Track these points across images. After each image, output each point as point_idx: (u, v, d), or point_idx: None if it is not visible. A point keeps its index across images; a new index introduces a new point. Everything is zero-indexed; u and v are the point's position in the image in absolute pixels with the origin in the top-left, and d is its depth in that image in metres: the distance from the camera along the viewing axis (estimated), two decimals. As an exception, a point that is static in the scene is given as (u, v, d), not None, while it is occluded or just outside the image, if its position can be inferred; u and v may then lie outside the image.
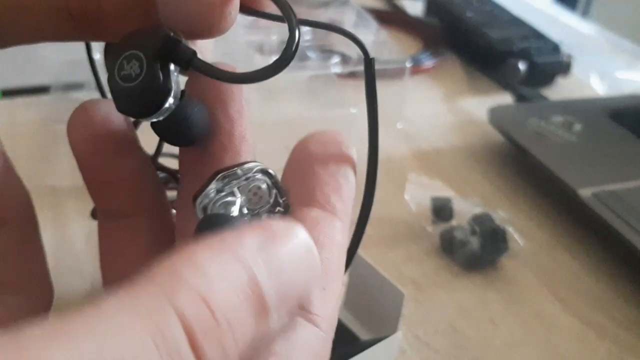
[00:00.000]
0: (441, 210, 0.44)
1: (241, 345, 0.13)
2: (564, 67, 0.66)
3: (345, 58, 0.59)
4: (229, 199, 0.19)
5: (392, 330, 0.32)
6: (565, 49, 0.67)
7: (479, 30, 0.69)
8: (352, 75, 0.57)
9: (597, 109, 0.57)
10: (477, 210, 0.43)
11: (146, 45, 0.17)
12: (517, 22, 0.71)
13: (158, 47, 0.17)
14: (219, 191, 0.19)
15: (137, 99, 0.17)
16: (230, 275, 0.13)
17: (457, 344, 0.36)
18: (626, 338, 0.38)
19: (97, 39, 0.19)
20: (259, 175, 0.19)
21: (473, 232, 0.42)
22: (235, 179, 0.19)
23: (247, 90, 0.20)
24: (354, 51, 0.60)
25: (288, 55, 0.17)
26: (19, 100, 0.54)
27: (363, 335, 0.35)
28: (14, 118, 0.52)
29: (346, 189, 0.21)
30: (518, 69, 0.63)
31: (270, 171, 0.20)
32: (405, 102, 0.58)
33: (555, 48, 0.66)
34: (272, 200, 0.20)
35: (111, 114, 0.19)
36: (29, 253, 0.22)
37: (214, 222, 0.17)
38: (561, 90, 0.66)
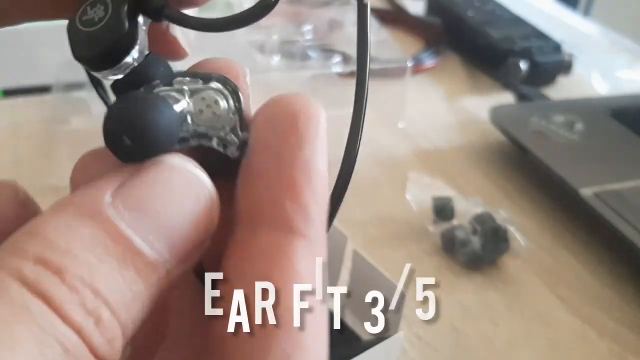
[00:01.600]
0: (442, 210, 0.44)
1: (123, 308, 0.12)
2: (565, 66, 0.66)
3: (347, 57, 0.59)
4: (173, 94, 0.15)
5: (393, 329, 0.32)
6: (567, 48, 0.67)
7: (481, 29, 0.68)
8: (353, 74, 0.57)
9: (598, 108, 0.57)
10: (478, 209, 0.43)
11: None
12: (518, 21, 0.71)
13: None
14: (164, 84, 0.15)
15: (96, 44, 0.15)
16: (77, 232, 0.12)
17: (458, 343, 0.36)
18: (628, 337, 0.38)
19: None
20: (222, 90, 0.15)
21: (474, 232, 0.42)
22: (192, 83, 0.15)
23: (248, 72, 0.17)
24: (355, 51, 0.60)
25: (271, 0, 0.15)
26: (20, 100, 0.54)
27: (364, 334, 0.35)
28: (15, 118, 0.52)
29: (313, 183, 0.14)
30: (519, 68, 0.63)
31: (239, 93, 0.16)
32: (407, 102, 0.58)
33: (556, 47, 0.66)
34: (227, 127, 0.15)
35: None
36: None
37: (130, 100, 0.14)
38: (562, 89, 0.66)
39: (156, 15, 0.15)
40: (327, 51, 0.59)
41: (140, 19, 0.15)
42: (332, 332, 0.35)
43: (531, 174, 0.51)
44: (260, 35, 0.57)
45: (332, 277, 0.37)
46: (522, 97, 0.61)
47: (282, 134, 0.14)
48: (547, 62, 0.65)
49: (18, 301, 0.11)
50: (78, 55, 0.15)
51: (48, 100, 0.52)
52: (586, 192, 0.44)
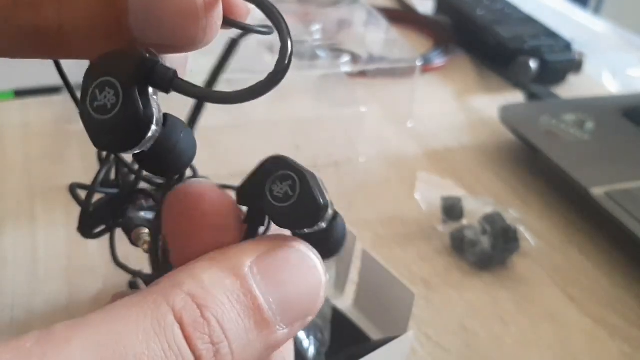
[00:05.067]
0: (452, 210, 0.44)
1: (239, 349, 0.15)
2: (575, 65, 0.66)
3: (355, 57, 0.59)
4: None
5: (403, 329, 0.32)
6: (577, 46, 0.66)
7: (490, 28, 0.68)
8: (362, 74, 0.57)
9: (609, 107, 0.57)
10: (488, 209, 0.43)
11: (120, 70, 0.15)
12: (528, 20, 0.71)
13: (133, 71, 0.15)
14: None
15: (117, 133, 0.15)
16: (222, 282, 0.15)
17: (468, 343, 0.36)
18: (639, 338, 0.38)
19: (66, 58, 0.17)
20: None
21: (484, 232, 0.42)
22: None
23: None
24: (364, 50, 0.60)
25: (281, 69, 0.16)
26: (31, 101, 0.54)
27: (374, 334, 0.34)
28: (26, 118, 0.53)
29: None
30: (529, 67, 0.63)
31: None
32: (416, 101, 0.58)
33: (567, 46, 0.66)
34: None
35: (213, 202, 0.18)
36: None
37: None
38: (573, 88, 0.65)
39: (165, 87, 0.15)
40: (336, 51, 0.59)
41: (150, 89, 0.15)
42: (342, 331, 0.35)
43: (541, 174, 0.51)
44: (269, 35, 0.57)
45: (341, 277, 0.37)
46: (532, 96, 0.60)
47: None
48: (558, 60, 0.65)
49: (161, 319, 0.14)
50: (100, 144, 0.16)
51: (58, 101, 0.52)
52: (597, 191, 0.44)
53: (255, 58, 0.54)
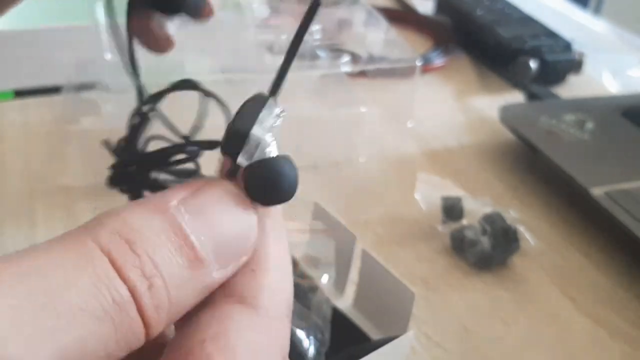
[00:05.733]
0: (452, 210, 0.44)
1: (174, 286, 0.14)
2: (575, 65, 0.66)
3: (355, 57, 0.59)
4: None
5: (403, 329, 0.32)
6: (577, 46, 0.66)
7: (490, 28, 0.68)
8: (362, 74, 0.57)
9: (609, 107, 0.57)
10: (488, 209, 0.43)
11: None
12: (528, 20, 0.71)
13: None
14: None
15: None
16: (149, 221, 0.15)
17: (468, 343, 0.36)
18: (639, 338, 0.38)
19: None
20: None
21: (484, 232, 0.42)
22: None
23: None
24: (364, 50, 0.60)
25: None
26: (32, 101, 0.54)
27: (373, 334, 0.34)
28: (26, 118, 0.53)
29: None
30: (529, 67, 0.63)
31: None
32: (416, 101, 0.58)
33: (566, 46, 0.66)
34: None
35: None
36: None
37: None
38: (573, 88, 0.65)
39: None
40: (336, 51, 0.59)
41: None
42: (342, 331, 0.35)
43: (541, 174, 0.51)
44: (269, 35, 0.57)
45: (341, 277, 0.37)
46: (532, 96, 0.60)
47: None
48: (557, 61, 0.65)
49: (87, 253, 0.14)
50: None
51: (59, 101, 0.52)
52: (597, 191, 0.44)
53: (255, 58, 0.54)
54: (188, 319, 0.16)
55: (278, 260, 0.17)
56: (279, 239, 0.18)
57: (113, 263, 0.14)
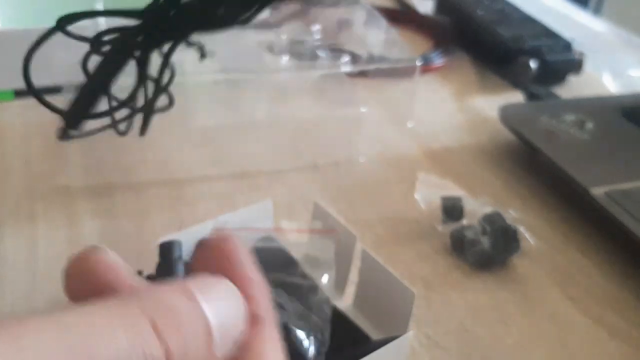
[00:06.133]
0: (452, 210, 0.44)
1: (181, 347, 0.16)
2: (575, 65, 0.66)
3: (355, 57, 0.59)
4: None
5: (403, 329, 0.32)
6: (577, 46, 0.66)
7: (490, 28, 0.68)
8: (362, 74, 0.57)
9: (609, 107, 0.57)
10: (488, 209, 0.43)
11: None
12: (528, 20, 0.71)
13: None
14: None
15: None
16: (180, 302, 0.17)
17: (468, 343, 0.36)
18: (639, 338, 0.38)
19: None
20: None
21: (484, 232, 0.42)
22: None
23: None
24: (364, 50, 0.60)
25: None
26: (32, 101, 0.54)
27: (373, 334, 0.34)
28: (26, 118, 0.53)
29: (259, 286, 0.21)
30: (529, 67, 0.63)
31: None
32: (416, 101, 0.58)
33: (567, 46, 0.66)
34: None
35: (111, 266, 0.20)
36: None
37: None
38: (573, 88, 0.65)
39: None
40: (336, 51, 0.59)
41: None
42: (342, 331, 0.35)
43: (541, 174, 0.51)
44: (269, 35, 0.57)
45: (341, 277, 0.37)
46: (532, 96, 0.60)
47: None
48: (558, 61, 0.65)
49: (131, 313, 0.15)
50: None
51: (59, 101, 0.52)
52: (597, 191, 0.44)
53: (255, 58, 0.54)
54: None
55: None
56: (277, 347, 0.20)
57: (154, 327, 0.16)
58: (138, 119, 0.39)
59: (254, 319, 0.20)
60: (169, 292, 0.17)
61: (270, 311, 0.21)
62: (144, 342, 0.15)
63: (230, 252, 0.21)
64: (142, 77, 0.24)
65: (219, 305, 0.18)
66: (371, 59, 0.59)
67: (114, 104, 0.26)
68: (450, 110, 0.61)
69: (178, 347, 0.16)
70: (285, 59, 0.56)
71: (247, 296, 0.20)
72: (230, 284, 0.19)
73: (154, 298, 0.16)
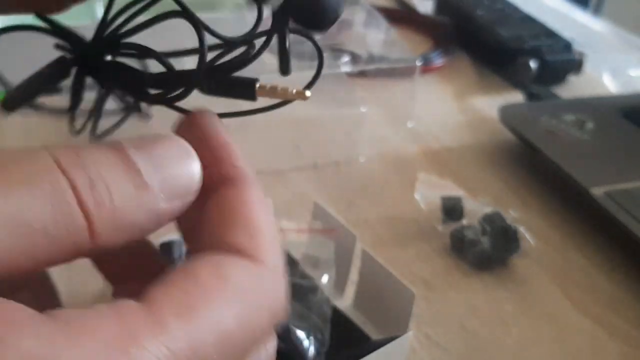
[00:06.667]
0: (452, 210, 0.44)
1: (119, 196, 0.16)
2: (576, 65, 0.66)
3: (355, 57, 0.59)
4: None
5: (403, 329, 0.32)
6: (577, 46, 0.66)
7: (490, 28, 0.68)
8: (362, 74, 0.57)
9: (609, 107, 0.57)
10: (488, 209, 0.43)
11: None
12: (528, 20, 0.71)
13: None
14: None
15: None
16: (101, 150, 0.16)
17: (468, 343, 0.36)
18: (639, 338, 0.38)
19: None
20: None
21: (484, 232, 0.42)
22: None
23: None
24: (364, 50, 0.60)
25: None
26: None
27: (373, 334, 0.34)
28: (26, 118, 0.53)
29: (233, 152, 0.20)
30: (529, 67, 0.63)
31: None
32: (416, 101, 0.58)
33: (567, 46, 0.66)
34: None
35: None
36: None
37: None
38: (573, 88, 0.65)
39: None
40: (336, 51, 0.59)
41: None
42: (342, 331, 0.35)
43: (541, 174, 0.51)
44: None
45: (341, 277, 0.37)
46: (532, 96, 0.60)
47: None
48: (558, 61, 0.65)
49: (36, 154, 0.15)
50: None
51: (59, 101, 0.52)
52: (597, 191, 0.44)
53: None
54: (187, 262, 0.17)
55: (269, 225, 0.19)
56: (265, 208, 0.19)
57: (58, 164, 0.15)
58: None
59: (229, 181, 0.19)
60: (92, 146, 0.16)
61: (251, 173, 0.20)
62: (50, 174, 0.15)
63: (202, 119, 0.20)
64: (77, 92, 0.24)
65: (158, 158, 0.17)
66: (371, 59, 0.59)
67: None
68: (450, 110, 0.61)
69: (88, 180, 0.15)
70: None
71: (219, 157, 0.19)
72: (180, 140, 0.18)
73: (70, 147, 0.16)
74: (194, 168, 0.18)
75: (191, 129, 0.19)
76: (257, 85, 0.20)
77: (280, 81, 0.21)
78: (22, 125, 0.52)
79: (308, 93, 0.20)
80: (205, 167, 0.18)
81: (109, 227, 0.15)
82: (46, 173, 0.15)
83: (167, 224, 0.18)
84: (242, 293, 0.16)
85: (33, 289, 0.22)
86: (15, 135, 0.51)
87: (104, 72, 0.20)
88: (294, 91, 0.20)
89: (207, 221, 0.19)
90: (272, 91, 0.20)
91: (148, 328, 0.14)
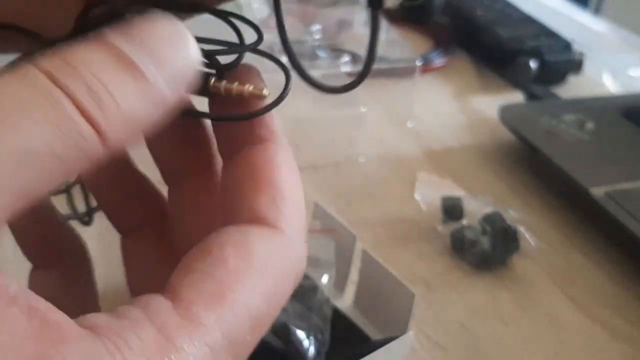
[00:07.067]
0: (452, 210, 0.44)
1: (119, 93, 0.14)
2: (575, 65, 0.66)
3: (355, 57, 0.59)
4: None
5: (403, 329, 0.32)
6: (577, 46, 0.66)
7: (490, 28, 0.68)
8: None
9: (609, 107, 0.57)
10: (488, 209, 0.43)
11: None
12: (528, 20, 0.71)
13: None
14: None
15: None
16: (87, 47, 0.15)
17: (468, 343, 0.36)
18: (639, 338, 0.38)
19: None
20: None
21: (484, 232, 0.42)
22: None
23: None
24: (363, 50, 0.60)
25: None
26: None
27: (373, 334, 0.34)
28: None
29: (272, 120, 0.20)
30: (529, 67, 0.63)
31: None
32: (416, 101, 0.58)
33: (566, 46, 0.66)
34: None
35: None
36: (78, 293, 0.22)
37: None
38: (573, 88, 0.65)
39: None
40: (336, 51, 0.59)
41: None
42: (342, 331, 0.35)
43: (541, 174, 0.51)
44: (269, 36, 0.57)
45: (341, 277, 0.37)
46: (532, 96, 0.60)
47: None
48: (557, 61, 0.65)
49: (25, 73, 0.14)
50: None
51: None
52: (597, 191, 0.44)
53: (254, 57, 0.54)
54: (212, 234, 0.17)
55: (294, 188, 0.18)
56: (292, 170, 0.19)
57: (51, 77, 0.14)
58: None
59: (258, 139, 0.19)
60: (76, 43, 0.15)
61: (282, 136, 0.19)
62: (43, 90, 0.14)
63: (247, 72, 0.19)
64: None
65: (150, 44, 0.16)
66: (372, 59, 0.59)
67: None
68: (450, 110, 0.61)
69: (83, 85, 0.14)
70: (285, 59, 0.56)
71: (258, 124, 0.19)
72: (167, 19, 0.16)
73: (56, 52, 0.15)
74: (189, 47, 0.17)
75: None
76: (212, 80, 0.19)
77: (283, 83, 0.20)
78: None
79: (266, 91, 0.19)
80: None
81: (119, 129, 0.15)
82: (41, 92, 0.14)
83: (175, 110, 0.17)
84: (268, 269, 0.16)
85: (67, 264, 0.23)
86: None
87: None
88: (250, 88, 0.19)
89: (232, 178, 0.19)
90: (227, 90, 0.19)
91: (183, 329, 0.14)
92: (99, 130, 0.14)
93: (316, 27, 0.60)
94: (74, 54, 0.15)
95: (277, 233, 0.17)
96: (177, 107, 0.16)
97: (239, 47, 0.20)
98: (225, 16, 0.20)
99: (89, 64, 0.14)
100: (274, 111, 0.19)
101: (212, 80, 0.19)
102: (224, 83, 0.19)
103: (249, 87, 0.19)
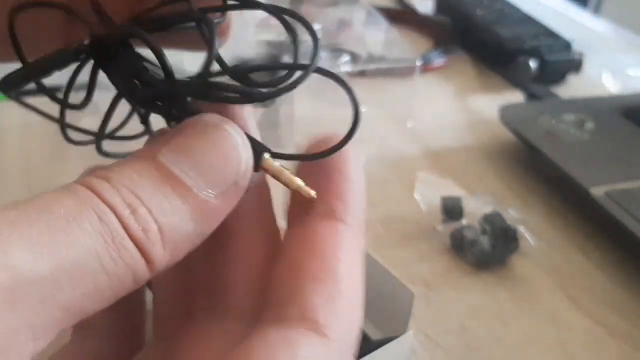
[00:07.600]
0: (452, 210, 0.44)
1: (162, 213, 0.15)
2: (575, 65, 0.66)
3: (355, 57, 0.59)
4: None
5: (403, 329, 0.32)
6: (577, 46, 0.66)
7: (490, 28, 0.68)
8: (362, 74, 0.57)
9: (609, 107, 0.57)
10: (488, 209, 0.43)
11: None
12: (528, 20, 0.71)
13: None
14: None
15: None
16: (137, 167, 0.15)
17: (468, 343, 0.36)
18: (639, 338, 0.38)
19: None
20: None
21: (484, 232, 0.42)
22: None
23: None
24: (364, 50, 0.60)
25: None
26: (31, 101, 0.54)
27: (373, 334, 0.34)
28: (26, 118, 0.53)
29: (352, 191, 0.19)
30: (529, 67, 0.63)
31: None
32: (416, 101, 0.58)
33: (567, 46, 0.66)
34: None
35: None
36: (127, 307, 0.22)
37: None
38: (573, 88, 0.65)
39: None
40: (336, 51, 0.59)
41: None
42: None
43: (541, 174, 0.51)
44: (269, 35, 0.57)
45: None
46: (532, 96, 0.60)
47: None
48: (557, 61, 0.65)
49: (75, 192, 0.14)
50: None
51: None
52: (597, 191, 0.44)
53: (255, 58, 0.54)
54: (260, 333, 0.16)
55: (356, 286, 0.17)
56: (357, 262, 0.17)
57: (96, 193, 0.14)
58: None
59: (328, 215, 0.17)
60: (128, 166, 0.15)
61: (359, 219, 0.18)
62: (93, 207, 0.14)
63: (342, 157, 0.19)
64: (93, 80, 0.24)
65: (194, 153, 0.16)
66: (371, 59, 0.59)
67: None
68: (450, 110, 0.61)
69: (127, 208, 0.14)
70: (285, 59, 0.56)
71: (336, 193, 0.18)
72: (209, 122, 0.16)
73: (109, 179, 0.15)
74: (234, 145, 0.16)
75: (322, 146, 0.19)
76: (266, 156, 0.18)
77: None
78: (21, 124, 0.52)
79: (313, 193, 0.18)
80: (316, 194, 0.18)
81: (164, 250, 0.15)
82: (89, 205, 0.14)
83: (226, 216, 0.16)
84: None
85: (117, 343, 0.21)
86: (14, 134, 0.51)
87: (114, 64, 0.20)
88: (300, 183, 0.18)
89: (289, 258, 0.17)
90: (277, 173, 0.18)
91: None
92: (143, 251, 0.14)
93: (316, 27, 0.60)
94: (117, 170, 0.15)
95: (325, 343, 0.16)
96: (229, 211, 0.16)
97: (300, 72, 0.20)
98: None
99: (131, 181, 0.15)
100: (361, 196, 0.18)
101: (268, 156, 0.18)
102: (276, 164, 0.18)
103: (299, 182, 0.18)
